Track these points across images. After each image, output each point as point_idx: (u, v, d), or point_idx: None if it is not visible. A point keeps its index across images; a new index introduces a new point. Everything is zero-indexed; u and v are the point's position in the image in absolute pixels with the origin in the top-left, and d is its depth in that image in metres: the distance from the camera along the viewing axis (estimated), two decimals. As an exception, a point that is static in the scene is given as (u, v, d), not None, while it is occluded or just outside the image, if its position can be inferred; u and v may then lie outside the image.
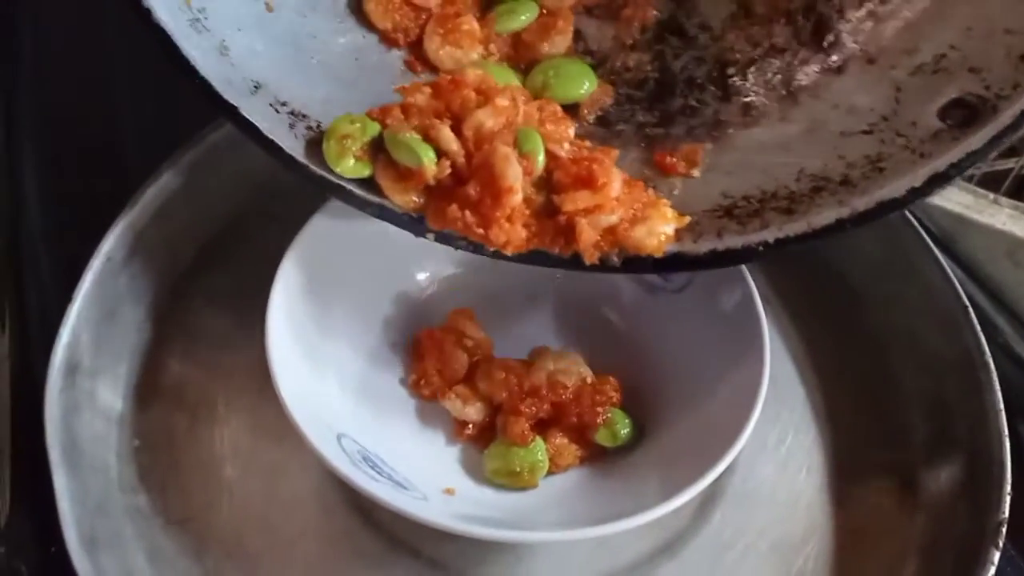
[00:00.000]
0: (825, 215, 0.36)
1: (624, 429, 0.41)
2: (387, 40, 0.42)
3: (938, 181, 0.35)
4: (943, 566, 0.40)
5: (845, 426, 0.45)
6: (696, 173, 0.40)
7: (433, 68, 0.42)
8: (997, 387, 0.43)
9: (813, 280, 0.50)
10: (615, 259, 0.37)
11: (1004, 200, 0.54)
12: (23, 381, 0.43)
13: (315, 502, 0.41)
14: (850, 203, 0.36)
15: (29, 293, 0.47)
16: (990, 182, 0.56)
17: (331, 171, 0.37)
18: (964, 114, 0.36)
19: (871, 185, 0.36)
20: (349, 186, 0.37)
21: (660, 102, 0.42)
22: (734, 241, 0.37)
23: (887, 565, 0.41)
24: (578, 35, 0.43)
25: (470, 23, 0.41)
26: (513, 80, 0.40)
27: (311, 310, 0.42)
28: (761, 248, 0.37)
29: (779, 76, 0.41)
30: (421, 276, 0.47)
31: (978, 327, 0.45)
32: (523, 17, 0.42)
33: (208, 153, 0.48)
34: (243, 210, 0.49)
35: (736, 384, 0.40)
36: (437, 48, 0.41)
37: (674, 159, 0.40)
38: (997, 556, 0.38)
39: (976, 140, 0.35)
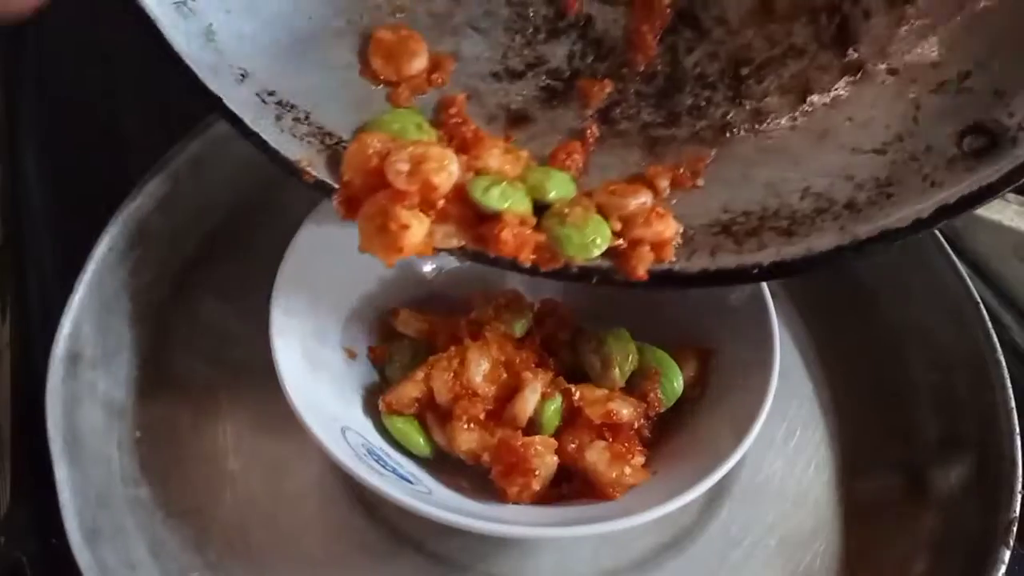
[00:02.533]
0: (825, 240, 0.35)
1: None
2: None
3: (946, 213, 0.33)
4: (953, 565, 0.39)
5: (854, 422, 0.45)
6: (700, 183, 0.38)
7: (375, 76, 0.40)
8: (1008, 384, 0.42)
9: (822, 274, 0.49)
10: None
11: (1012, 196, 0.54)
12: (24, 371, 0.43)
13: (318, 495, 0.41)
14: (852, 229, 0.35)
15: (30, 283, 0.47)
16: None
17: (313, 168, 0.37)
18: (982, 142, 0.34)
19: (875, 212, 0.35)
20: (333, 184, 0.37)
21: (668, 99, 0.40)
22: (727, 261, 0.36)
23: (896, 562, 0.41)
24: (588, 21, 0.41)
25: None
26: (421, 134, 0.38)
27: (315, 302, 0.41)
28: (756, 271, 0.36)
29: (795, 80, 0.38)
30: (427, 268, 0.46)
31: (989, 323, 0.44)
32: None
33: (211, 143, 0.47)
34: (246, 201, 0.48)
35: (745, 379, 0.40)
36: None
37: (681, 171, 0.38)
38: (1008, 555, 0.38)
39: (991, 173, 0.33)
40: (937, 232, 0.47)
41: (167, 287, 0.46)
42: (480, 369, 0.40)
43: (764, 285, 0.41)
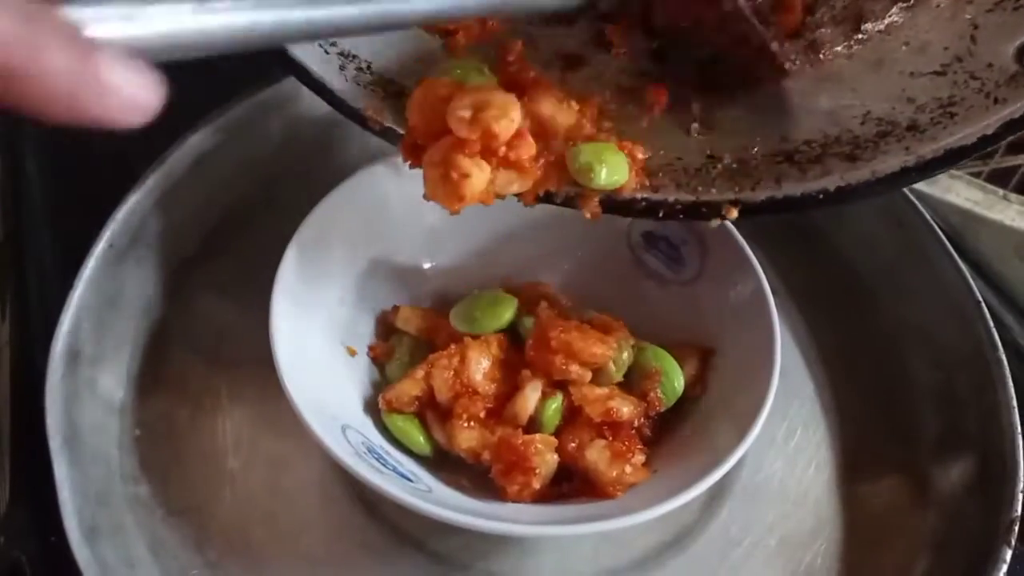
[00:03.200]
0: (889, 162, 0.35)
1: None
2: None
3: (1012, 128, 0.33)
4: (954, 564, 0.39)
5: (855, 421, 0.45)
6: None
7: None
8: (1010, 383, 0.42)
9: (823, 273, 0.49)
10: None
11: (1013, 196, 0.54)
12: (23, 369, 0.43)
13: (318, 494, 0.41)
14: (916, 150, 0.34)
15: (30, 280, 0.47)
16: (998, 178, 0.56)
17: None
18: None
19: (940, 132, 0.35)
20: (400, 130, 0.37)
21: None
22: (793, 189, 0.36)
23: (897, 562, 0.40)
24: None
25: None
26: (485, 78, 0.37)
27: (316, 299, 0.41)
28: (821, 196, 0.35)
29: (848, 10, 0.38)
30: (427, 266, 0.46)
31: (991, 322, 0.44)
32: None
33: (211, 140, 0.47)
34: (247, 198, 0.49)
35: (746, 378, 0.40)
36: None
37: None
38: (1009, 554, 0.38)
39: None
40: (939, 232, 0.47)
41: (167, 284, 0.46)
42: (480, 367, 0.40)
43: (766, 284, 0.41)
